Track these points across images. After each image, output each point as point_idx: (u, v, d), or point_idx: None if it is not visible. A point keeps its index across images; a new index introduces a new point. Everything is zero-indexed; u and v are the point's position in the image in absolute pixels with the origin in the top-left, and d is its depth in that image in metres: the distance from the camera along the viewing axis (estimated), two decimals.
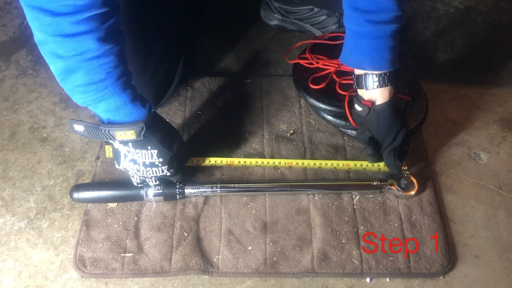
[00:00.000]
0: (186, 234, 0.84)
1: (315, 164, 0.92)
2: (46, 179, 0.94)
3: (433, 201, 0.88)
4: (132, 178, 0.84)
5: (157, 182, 0.84)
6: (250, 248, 0.83)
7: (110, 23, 0.69)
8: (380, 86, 0.78)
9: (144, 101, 0.78)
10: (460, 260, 0.83)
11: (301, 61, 1.02)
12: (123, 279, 0.81)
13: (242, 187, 0.88)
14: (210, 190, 0.87)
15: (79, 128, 0.79)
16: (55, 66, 0.69)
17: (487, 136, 1.00)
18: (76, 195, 0.85)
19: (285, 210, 0.87)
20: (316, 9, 1.16)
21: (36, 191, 0.92)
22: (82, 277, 0.81)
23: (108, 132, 0.76)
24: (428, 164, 0.94)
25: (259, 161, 0.93)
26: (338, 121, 0.97)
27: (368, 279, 0.80)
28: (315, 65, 1.00)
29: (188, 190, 0.86)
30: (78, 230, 0.86)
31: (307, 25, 1.20)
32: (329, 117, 0.99)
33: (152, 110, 0.79)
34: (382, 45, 0.76)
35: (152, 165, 0.80)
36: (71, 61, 0.68)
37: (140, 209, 0.88)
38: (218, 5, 1.30)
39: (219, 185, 0.87)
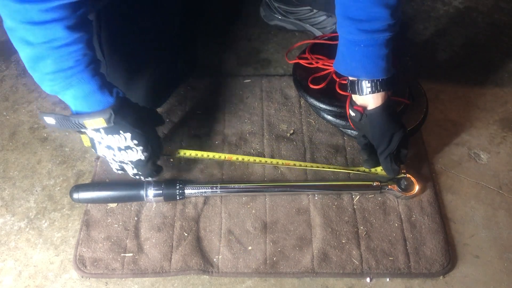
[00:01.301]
0: (186, 234, 0.84)
1: (312, 166, 0.91)
2: (46, 179, 0.94)
3: (433, 201, 0.88)
4: (111, 165, 0.84)
5: (135, 170, 0.83)
6: (250, 248, 0.83)
7: (80, 12, 0.69)
8: (373, 92, 0.78)
9: (112, 87, 0.77)
10: (460, 260, 0.83)
11: (301, 61, 1.02)
12: (123, 279, 0.81)
13: (242, 188, 0.88)
14: (210, 190, 0.87)
15: (50, 120, 0.77)
16: (24, 54, 0.69)
17: (487, 136, 1.00)
18: (76, 195, 0.85)
19: (285, 210, 0.87)
20: (315, 10, 1.16)
21: (36, 191, 0.92)
22: (82, 277, 0.81)
23: (78, 121, 0.75)
24: (428, 164, 0.94)
25: (246, 158, 0.93)
26: (338, 121, 0.97)
27: (368, 279, 0.80)
28: (315, 65, 1.00)
29: (188, 191, 0.86)
30: (78, 230, 0.86)
31: (307, 25, 1.20)
32: (329, 117, 0.99)
33: (120, 95, 0.78)
34: (375, 53, 0.76)
35: (127, 148, 0.79)
36: (40, 48, 0.68)
37: (140, 209, 0.88)
38: (218, 5, 1.30)
39: (219, 186, 0.87)
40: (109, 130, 0.77)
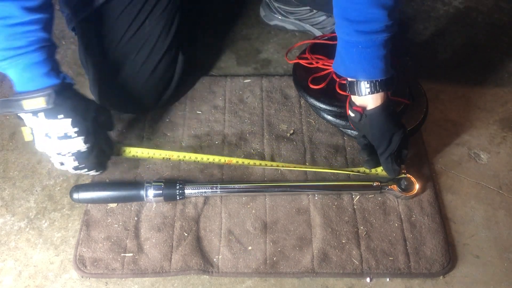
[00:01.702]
0: (186, 234, 0.84)
1: (312, 168, 0.91)
2: (46, 179, 0.94)
3: (433, 201, 0.88)
4: (51, 159, 0.80)
5: (76, 163, 0.79)
6: (250, 248, 0.83)
7: None
8: (372, 92, 0.78)
9: (59, 72, 0.76)
10: (460, 260, 0.83)
11: (301, 61, 1.02)
12: (123, 279, 0.81)
13: (242, 188, 0.88)
14: (210, 190, 0.87)
15: None
16: None
17: (487, 136, 1.00)
18: (76, 195, 0.85)
19: (285, 210, 0.87)
20: (315, 10, 1.16)
21: (36, 191, 0.92)
22: (82, 277, 0.81)
23: (17, 102, 0.73)
24: (428, 164, 0.94)
25: (222, 159, 0.92)
26: (338, 121, 0.97)
27: (368, 279, 0.80)
28: (315, 65, 1.00)
29: (188, 191, 0.86)
30: (78, 230, 0.86)
31: (307, 25, 1.20)
32: (329, 117, 0.99)
33: (67, 80, 0.76)
34: (373, 55, 0.76)
35: (66, 136, 0.76)
36: None
37: (140, 209, 0.88)
38: (218, 4, 1.30)
39: (219, 186, 0.87)
40: (49, 113, 0.74)
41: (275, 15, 1.22)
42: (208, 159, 0.91)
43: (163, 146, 0.97)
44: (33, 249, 0.84)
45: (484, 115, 1.04)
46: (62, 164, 0.80)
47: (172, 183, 0.86)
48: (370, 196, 0.89)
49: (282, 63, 1.16)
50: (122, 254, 0.82)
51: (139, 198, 0.86)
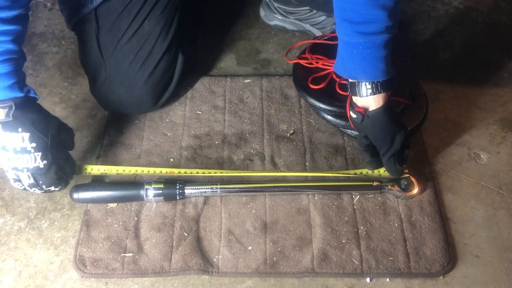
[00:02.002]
0: (186, 234, 0.84)
1: (313, 174, 0.91)
2: None
3: (433, 201, 0.88)
4: (7, 174, 0.79)
5: (31, 180, 0.77)
6: (250, 248, 0.83)
7: (17, 5, 0.69)
8: (374, 93, 0.78)
9: (24, 85, 0.75)
10: (460, 260, 0.83)
11: (301, 61, 1.02)
12: (123, 279, 0.81)
13: (242, 188, 0.88)
14: (210, 190, 0.87)
15: None
16: None
17: (487, 136, 1.00)
18: (76, 195, 0.85)
19: (285, 210, 0.87)
20: (314, 10, 1.16)
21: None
22: (82, 277, 0.81)
23: None
24: (428, 164, 0.94)
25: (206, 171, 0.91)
26: (338, 121, 0.97)
27: (368, 279, 0.80)
28: (315, 65, 1.00)
29: (188, 191, 0.86)
30: (78, 230, 0.86)
31: (307, 25, 1.20)
32: (329, 117, 0.99)
33: (31, 94, 0.76)
34: (373, 56, 0.76)
35: (24, 150, 0.74)
36: None
37: (140, 209, 0.88)
38: (218, 4, 1.30)
39: (219, 186, 0.87)
40: (7, 126, 0.73)
41: (275, 15, 1.22)
42: (179, 172, 0.91)
43: (163, 146, 0.97)
44: (33, 249, 0.84)
45: (484, 115, 1.04)
46: (18, 180, 0.79)
47: (172, 183, 0.86)
48: (370, 196, 0.89)
49: (282, 63, 1.16)
50: (122, 254, 0.82)
51: (139, 198, 0.86)
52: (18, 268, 0.82)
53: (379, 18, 0.72)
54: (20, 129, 0.74)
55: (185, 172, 0.91)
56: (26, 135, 0.74)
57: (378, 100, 0.79)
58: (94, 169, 0.90)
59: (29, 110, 0.75)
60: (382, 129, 0.80)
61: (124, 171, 0.91)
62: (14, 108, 0.72)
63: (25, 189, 0.80)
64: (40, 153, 0.76)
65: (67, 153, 0.85)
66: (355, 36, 0.75)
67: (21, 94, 0.74)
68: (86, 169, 0.89)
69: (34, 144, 0.75)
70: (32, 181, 0.78)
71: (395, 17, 0.74)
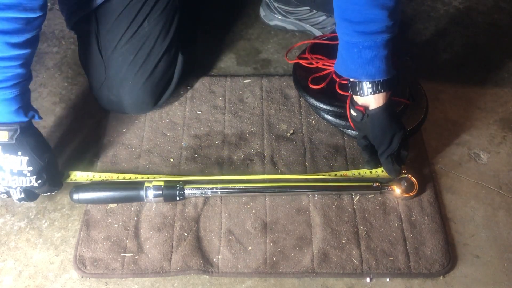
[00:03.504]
0: (186, 234, 0.84)
1: (312, 176, 0.90)
2: None
3: (433, 201, 0.88)
4: None
5: (22, 195, 0.79)
6: (250, 248, 0.83)
7: (30, 27, 0.69)
8: (374, 92, 0.78)
9: (29, 110, 0.77)
10: (460, 260, 0.83)
11: (301, 61, 1.02)
12: (123, 279, 0.81)
13: (242, 188, 0.88)
14: (210, 191, 0.87)
15: None
16: None
17: (487, 136, 1.00)
18: (76, 196, 0.85)
19: (285, 210, 0.87)
20: (314, 10, 1.16)
21: None
22: (82, 277, 0.81)
23: None
24: (428, 164, 0.94)
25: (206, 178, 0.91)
26: (338, 121, 0.97)
27: (368, 279, 0.80)
28: (315, 65, 1.00)
29: (188, 191, 0.86)
30: (78, 230, 0.86)
31: (307, 25, 1.20)
32: (329, 117, 0.99)
33: (35, 119, 0.78)
34: (374, 55, 0.76)
35: (20, 173, 0.76)
36: None
37: (140, 209, 0.88)
38: (218, 4, 1.30)
39: (219, 186, 0.87)
40: (8, 148, 0.75)
41: (275, 15, 1.22)
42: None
43: (163, 146, 0.97)
44: (33, 249, 0.84)
45: (484, 115, 1.04)
46: (6, 193, 0.80)
47: (172, 184, 0.86)
48: (370, 196, 0.89)
49: (282, 63, 1.16)
50: (122, 254, 0.82)
51: (139, 199, 0.86)
52: (18, 268, 0.82)
53: (379, 18, 0.72)
54: (19, 153, 0.76)
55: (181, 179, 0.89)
56: (25, 159, 0.76)
57: (379, 99, 0.79)
58: (78, 176, 0.89)
59: (30, 134, 0.77)
60: (381, 129, 0.80)
61: (100, 177, 0.89)
62: (18, 131, 0.74)
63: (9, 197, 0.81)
64: (35, 176, 0.78)
65: (56, 169, 0.86)
66: (355, 36, 0.75)
67: (25, 119, 0.76)
68: (69, 175, 0.89)
69: (30, 168, 0.77)
70: (22, 195, 0.80)
71: (396, 16, 0.74)
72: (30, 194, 0.81)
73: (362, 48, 0.75)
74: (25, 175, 0.77)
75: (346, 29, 0.76)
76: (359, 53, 0.76)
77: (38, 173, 0.78)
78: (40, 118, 0.80)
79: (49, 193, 0.85)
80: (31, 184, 0.78)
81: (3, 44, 0.68)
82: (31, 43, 0.73)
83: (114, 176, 0.90)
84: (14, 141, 0.74)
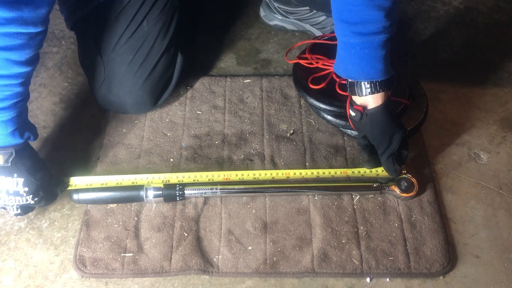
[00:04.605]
0: (186, 234, 0.84)
1: (312, 173, 0.90)
2: None
3: (433, 201, 0.88)
4: None
5: (19, 211, 0.78)
6: (250, 248, 0.83)
7: (32, 43, 0.68)
8: (372, 92, 0.78)
9: (25, 130, 0.76)
10: (460, 260, 0.83)
11: (301, 61, 1.02)
12: (123, 279, 0.81)
13: (242, 189, 0.88)
14: (210, 191, 0.87)
15: None
16: None
17: (487, 136, 1.00)
18: (76, 196, 0.85)
19: (285, 210, 0.87)
20: (314, 10, 1.16)
21: None
22: (82, 277, 0.81)
23: None
24: (428, 164, 0.94)
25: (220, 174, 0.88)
26: (338, 121, 0.97)
27: (368, 279, 0.80)
28: (315, 65, 1.00)
29: (188, 192, 0.86)
30: (78, 230, 0.86)
31: (307, 25, 1.20)
32: (329, 117, 0.99)
33: (31, 140, 0.77)
34: (371, 56, 0.76)
35: (16, 194, 0.76)
36: None
37: (140, 209, 0.88)
38: (218, 4, 1.30)
39: (219, 186, 0.87)
40: (3, 171, 0.75)
41: (275, 15, 1.22)
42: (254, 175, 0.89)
43: (163, 146, 0.97)
44: (33, 249, 0.84)
45: (484, 115, 1.04)
46: (3, 208, 0.79)
47: (172, 184, 0.86)
48: (370, 196, 0.89)
49: (282, 63, 1.16)
50: (122, 254, 0.82)
51: (139, 199, 0.86)
52: (18, 268, 0.82)
53: (375, 19, 0.72)
54: (15, 175, 0.75)
55: (182, 177, 0.88)
56: (21, 180, 0.76)
57: (377, 99, 0.79)
58: (77, 182, 0.87)
59: (25, 156, 0.77)
60: (380, 128, 0.80)
61: (98, 181, 0.87)
62: (14, 155, 0.74)
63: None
64: (31, 195, 0.77)
65: (53, 179, 0.84)
66: (353, 37, 0.75)
67: (21, 141, 0.75)
68: (69, 183, 0.86)
69: (26, 189, 0.76)
70: (18, 211, 0.79)
71: (393, 16, 0.73)
72: (26, 209, 0.81)
73: (359, 49, 0.75)
74: (22, 195, 0.76)
75: (344, 30, 0.76)
76: (356, 53, 0.76)
77: (34, 192, 0.77)
78: (36, 138, 0.79)
79: (45, 206, 0.84)
80: (28, 202, 0.78)
81: (4, 61, 0.67)
82: (32, 61, 0.72)
83: (113, 182, 0.87)
84: (9, 164, 0.74)
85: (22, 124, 0.76)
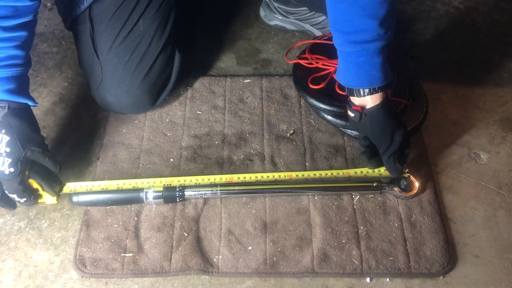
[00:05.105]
0: (186, 234, 0.84)
1: (315, 175, 0.90)
2: None
3: (433, 201, 0.88)
4: None
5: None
6: (250, 248, 0.83)
7: (22, 13, 0.70)
8: (371, 93, 0.78)
9: (23, 94, 0.76)
10: (460, 260, 0.83)
11: (301, 61, 1.02)
12: (123, 279, 0.81)
13: (242, 189, 0.88)
14: (210, 192, 0.87)
15: None
16: None
17: (487, 136, 1.00)
18: (75, 198, 0.85)
19: (285, 210, 0.87)
20: (313, 11, 1.16)
21: None
22: (82, 277, 0.81)
23: None
24: (428, 164, 0.94)
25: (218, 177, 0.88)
26: (338, 121, 0.97)
27: (368, 279, 0.80)
28: (315, 65, 1.00)
29: (188, 192, 0.86)
30: (78, 230, 0.86)
31: (307, 25, 1.20)
32: (329, 117, 0.99)
33: (30, 104, 0.77)
34: (367, 63, 0.76)
35: None
36: None
37: (140, 209, 0.88)
38: (218, 4, 1.30)
39: (219, 187, 0.87)
40: None
41: (275, 15, 1.22)
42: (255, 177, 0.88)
43: (163, 146, 0.97)
44: (33, 249, 0.84)
45: (484, 115, 1.04)
46: None
47: (172, 186, 0.86)
48: (370, 196, 0.89)
49: (282, 63, 1.16)
50: (122, 254, 0.82)
51: (139, 201, 0.86)
52: (18, 268, 0.82)
53: (369, 28, 0.73)
54: (3, 131, 0.75)
55: (183, 181, 0.88)
56: (6, 138, 0.75)
57: (375, 98, 0.79)
58: (71, 186, 0.86)
59: (19, 118, 0.76)
60: (380, 127, 0.80)
61: (99, 185, 0.86)
62: (6, 110, 0.74)
63: None
64: (10, 160, 0.75)
65: (48, 173, 0.83)
66: (348, 46, 0.76)
67: (17, 99, 0.75)
68: (66, 186, 0.86)
69: (8, 149, 0.75)
70: None
71: (388, 24, 0.74)
72: (4, 183, 0.78)
73: (355, 57, 0.76)
74: (1, 154, 0.75)
75: (339, 39, 0.77)
76: (353, 62, 0.77)
77: (13, 159, 0.75)
78: (36, 103, 0.78)
79: (18, 198, 0.80)
80: (3, 168, 0.75)
81: None
82: (27, 26, 0.73)
83: (113, 186, 0.87)
84: (0, 119, 0.74)
85: (20, 88, 0.76)
